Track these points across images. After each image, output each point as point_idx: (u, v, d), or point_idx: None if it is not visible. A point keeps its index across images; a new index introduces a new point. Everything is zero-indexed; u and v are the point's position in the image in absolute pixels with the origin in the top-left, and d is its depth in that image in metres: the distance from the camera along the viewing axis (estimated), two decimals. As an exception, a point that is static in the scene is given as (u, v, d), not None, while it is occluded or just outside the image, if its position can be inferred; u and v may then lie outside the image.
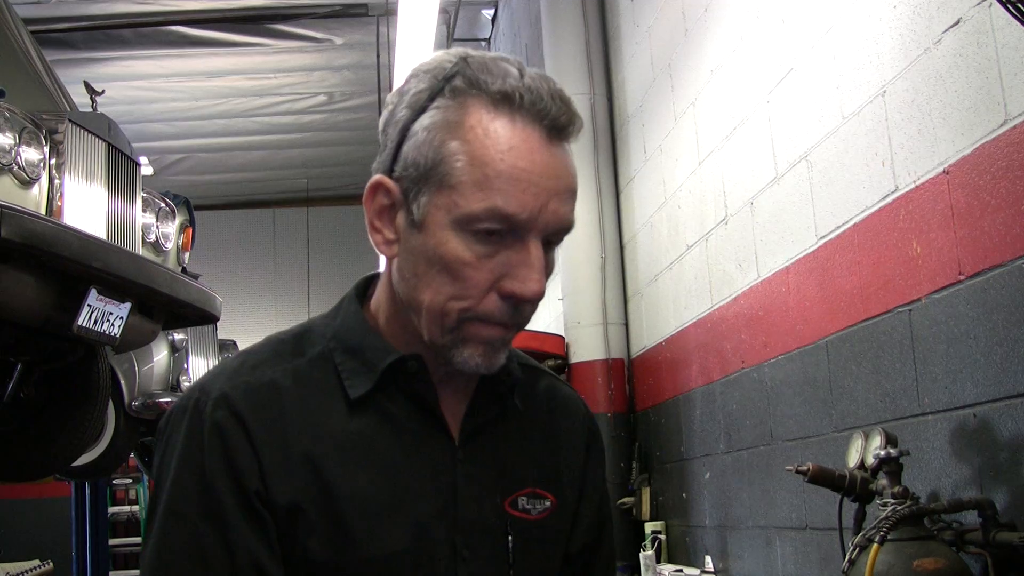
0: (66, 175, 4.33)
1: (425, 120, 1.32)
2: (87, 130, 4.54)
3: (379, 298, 1.47)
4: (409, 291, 1.36)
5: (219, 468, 1.31)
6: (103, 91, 5.50)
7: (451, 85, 1.32)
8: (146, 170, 5.74)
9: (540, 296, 1.32)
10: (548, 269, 1.36)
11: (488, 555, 1.42)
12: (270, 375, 1.38)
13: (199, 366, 7.53)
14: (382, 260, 1.45)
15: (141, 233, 5.03)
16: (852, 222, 3.56)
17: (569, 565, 1.57)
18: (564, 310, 7.05)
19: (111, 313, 4.49)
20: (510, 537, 1.44)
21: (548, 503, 1.50)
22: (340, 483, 1.34)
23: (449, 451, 1.42)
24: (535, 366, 1.64)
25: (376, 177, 1.38)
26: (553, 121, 1.31)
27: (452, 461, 1.42)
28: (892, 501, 2.79)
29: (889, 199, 3.30)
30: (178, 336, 7.37)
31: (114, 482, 10.94)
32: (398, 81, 8.79)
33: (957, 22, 2.91)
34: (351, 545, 1.33)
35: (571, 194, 1.35)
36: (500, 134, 1.29)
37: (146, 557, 1.33)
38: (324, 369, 1.41)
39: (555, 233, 1.34)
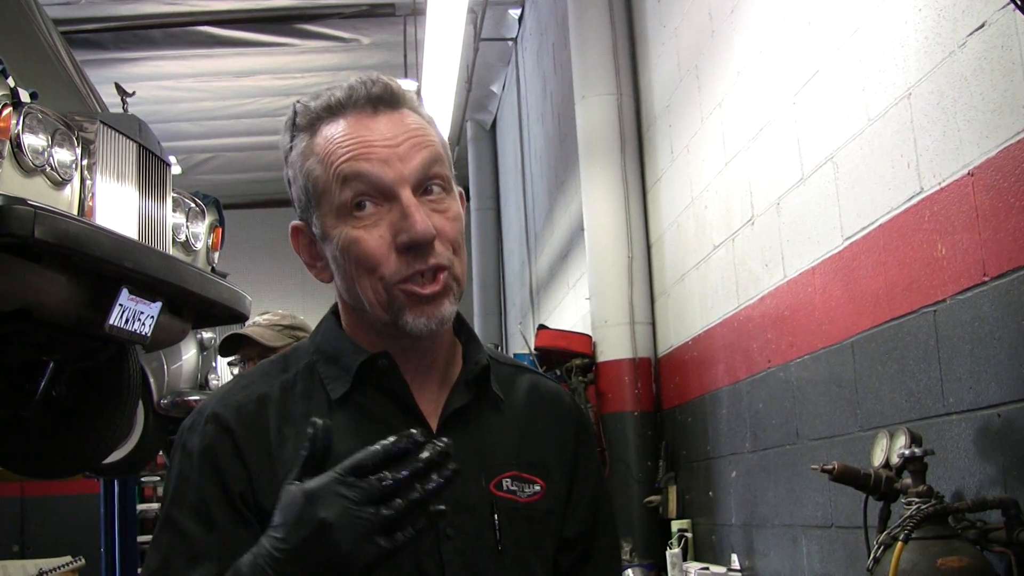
0: (97, 176, 4.38)
1: (291, 163, 1.54)
2: (118, 131, 4.59)
3: (343, 316, 1.62)
4: (352, 296, 1.52)
5: (208, 475, 1.47)
6: (134, 93, 5.54)
7: (296, 127, 1.53)
8: (175, 169, 5.78)
9: (428, 232, 1.43)
10: (449, 212, 1.49)
11: (474, 534, 1.51)
12: (259, 390, 1.55)
13: (227, 365, 7.56)
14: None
15: (171, 233, 5.08)
16: (877, 223, 3.57)
17: (568, 550, 1.63)
18: (591, 309, 7.06)
19: (142, 312, 4.55)
20: (496, 516, 1.52)
21: (538, 488, 1.59)
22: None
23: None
24: (517, 364, 1.76)
25: (291, 224, 1.59)
26: (370, 97, 1.49)
27: None
28: (917, 500, 2.81)
29: (914, 200, 3.31)
30: (207, 335, 7.42)
31: (143, 479, 11.01)
32: (425, 80, 8.81)
33: (982, 25, 2.91)
34: None
35: (417, 142, 1.48)
36: (335, 131, 1.48)
37: (146, 560, 1.50)
38: (308, 379, 1.57)
39: (426, 179, 1.47)
